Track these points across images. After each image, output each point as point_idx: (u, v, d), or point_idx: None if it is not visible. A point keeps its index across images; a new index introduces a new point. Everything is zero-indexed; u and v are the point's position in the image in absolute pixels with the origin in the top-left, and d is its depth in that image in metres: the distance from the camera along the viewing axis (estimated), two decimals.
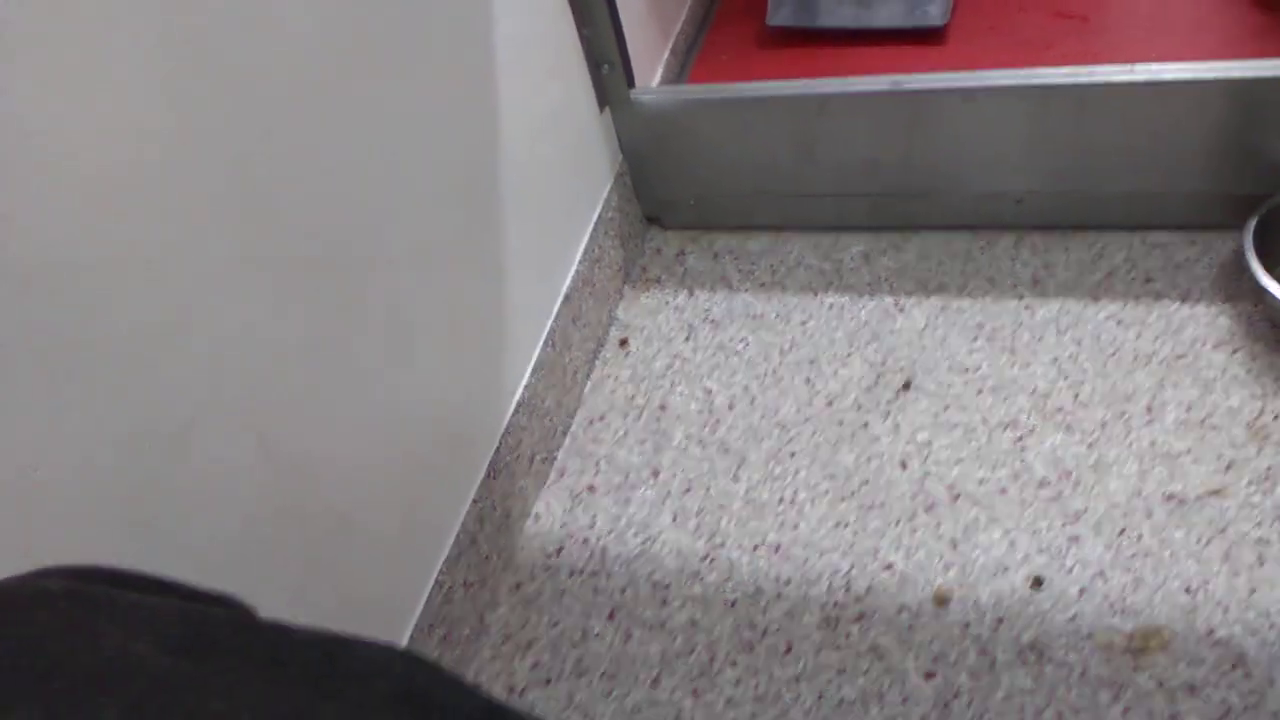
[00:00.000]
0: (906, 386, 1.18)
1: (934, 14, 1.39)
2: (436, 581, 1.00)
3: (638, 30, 1.35)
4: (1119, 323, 1.19)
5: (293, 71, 0.76)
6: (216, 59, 0.69)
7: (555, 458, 1.23)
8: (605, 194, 1.36)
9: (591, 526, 1.15)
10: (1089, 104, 1.16)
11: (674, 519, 1.13)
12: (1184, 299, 1.19)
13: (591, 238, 1.32)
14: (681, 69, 1.52)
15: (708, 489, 1.15)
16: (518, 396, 1.14)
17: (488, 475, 1.08)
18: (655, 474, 1.18)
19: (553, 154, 1.21)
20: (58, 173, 0.58)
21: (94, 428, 0.62)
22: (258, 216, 0.74)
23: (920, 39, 1.40)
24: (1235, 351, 1.13)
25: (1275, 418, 1.07)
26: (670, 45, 1.50)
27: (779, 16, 1.47)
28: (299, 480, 0.80)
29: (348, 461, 0.86)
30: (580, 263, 1.29)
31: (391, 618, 0.95)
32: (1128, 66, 1.13)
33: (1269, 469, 1.03)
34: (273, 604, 0.79)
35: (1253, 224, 1.13)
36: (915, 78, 1.20)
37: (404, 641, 0.96)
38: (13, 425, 0.57)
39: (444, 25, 0.96)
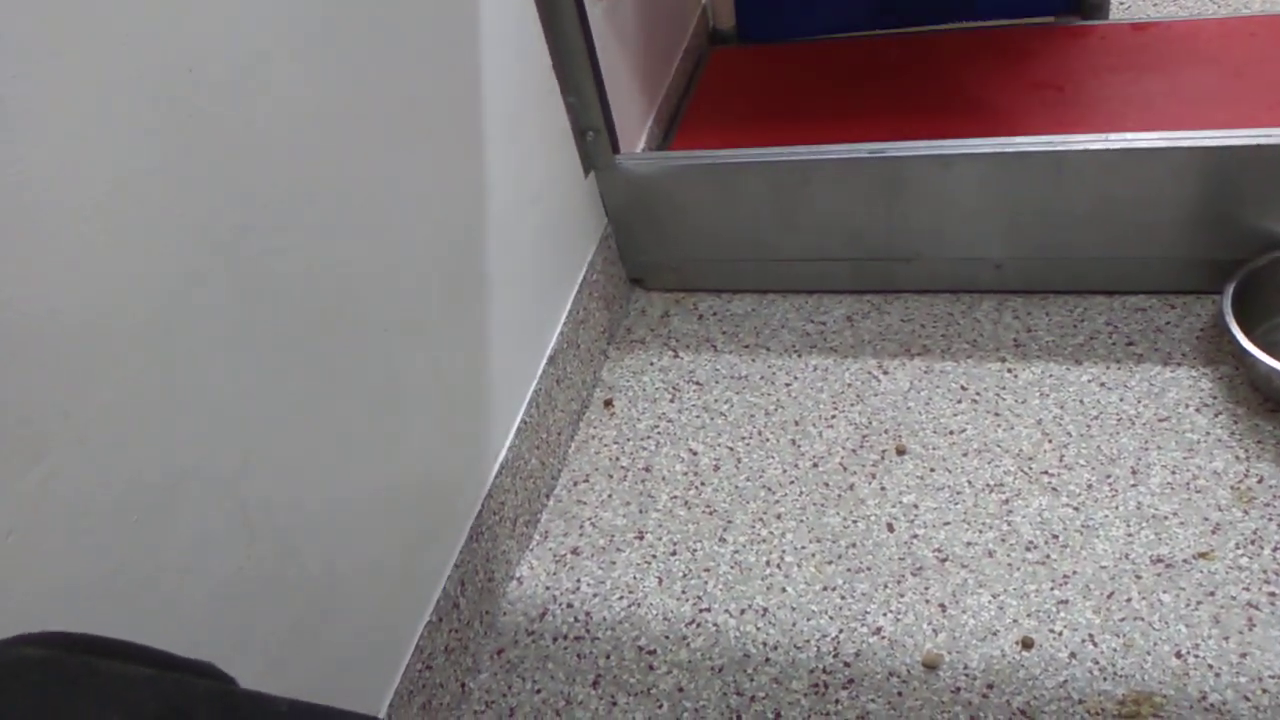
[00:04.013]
0: (900, 453, 1.18)
1: None
2: (417, 647, 0.98)
3: (622, 97, 1.37)
4: (1102, 385, 1.20)
5: (288, 143, 0.77)
6: (214, 131, 0.69)
7: (539, 520, 1.22)
8: (590, 257, 1.37)
9: (576, 590, 1.13)
10: (1066, 171, 1.18)
11: (660, 582, 1.12)
12: (1165, 362, 1.20)
13: (576, 300, 1.32)
14: (665, 135, 1.54)
15: (694, 551, 1.14)
16: (501, 458, 1.13)
17: (470, 538, 1.06)
18: (640, 536, 1.17)
19: (539, 219, 1.22)
20: (52, 240, 0.58)
21: (78, 493, 0.60)
22: (250, 285, 0.74)
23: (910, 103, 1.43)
24: (1218, 414, 1.14)
25: (1260, 480, 1.07)
26: (654, 112, 1.52)
27: None
28: (281, 547, 0.79)
29: (330, 527, 0.85)
30: (565, 324, 1.29)
31: (371, 685, 0.93)
32: (1102, 135, 1.16)
33: (1255, 532, 1.03)
34: (252, 670, 0.77)
35: (1231, 288, 1.15)
36: (894, 145, 1.22)
37: (383, 710, 0.94)
38: None
39: (434, 97, 0.97)
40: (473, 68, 1.05)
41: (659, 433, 1.29)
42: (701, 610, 1.08)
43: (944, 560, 1.07)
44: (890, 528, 1.12)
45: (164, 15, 0.65)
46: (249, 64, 0.73)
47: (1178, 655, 0.96)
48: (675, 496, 1.20)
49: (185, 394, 0.69)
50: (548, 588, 1.14)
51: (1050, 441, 1.15)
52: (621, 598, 1.11)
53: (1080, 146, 1.16)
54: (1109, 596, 1.01)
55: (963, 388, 1.24)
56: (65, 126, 0.59)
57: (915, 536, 1.10)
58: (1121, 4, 1.66)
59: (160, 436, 0.67)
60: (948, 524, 1.10)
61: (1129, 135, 1.15)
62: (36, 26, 0.57)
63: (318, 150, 0.81)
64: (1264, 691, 0.92)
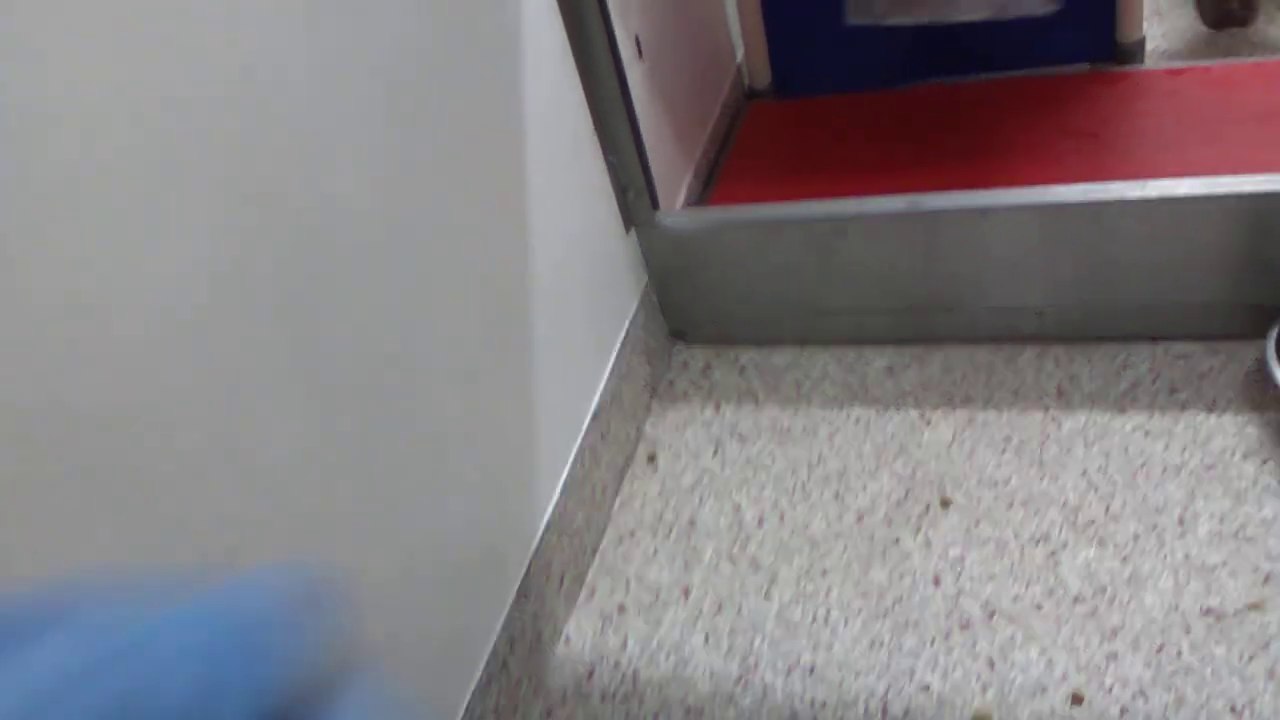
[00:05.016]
0: (945, 505, 1.18)
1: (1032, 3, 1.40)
2: (467, 709, 0.99)
3: (661, 155, 1.40)
4: (1146, 434, 1.19)
5: (340, 207, 0.80)
6: (275, 202, 0.73)
7: (585, 577, 1.23)
8: (632, 312, 1.39)
9: (623, 649, 1.14)
10: (1104, 220, 1.18)
11: (706, 640, 1.13)
12: (1210, 409, 1.20)
13: (619, 355, 1.34)
14: (704, 190, 1.56)
15: (739, 608, 1.15)
16: (548, 516, 1.15)
17: (518, 597, 1.08)
18: (686, 593, 1.18)
19: (581, 275, 1.25)
20: (120, 312, 0.61)
21: (140, 557, 0.63)
22: (304, 349, 0.77)
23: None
24: (1265, 461, 1.13)
25: None
26: (693, 168, 1.55)
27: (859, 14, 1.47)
28: None
29: (380, 587, 0.87)
30: (608, 380, 1.31)
31: None
32: (1140, 183, 1.16)
33: None
34: None
35: (1274, 334, 1.14)
36: (932, 197, 1.23)
37: None
38: (61, 552, 0.58)
39: (480, 157, 1.00)
40: (517, 131, 1.08)
41: (703, 487, 1.30)
42: (749, 668, 1.09)
43: (991, 614, 1.07)
44: (936, 582, 1.12)
45: (251, 131, 0.69)
46: (318, 147, 0.76)
47: (1232, 710, 0.94)
48: (720, 552, 1.21)
49: (245, 454, 0.71)
50: (595, 647, 1.15)
51: (1095, 491, 1.15)
52: (668, 656, 1.12)
53: (1118, 195, 1.17)
54: (1159, 650, 1.00)
55: (1006, 438, 1.24)
56: (132, 205, 0.62)
57: (962, 591, 1.10)
58: (1157, 49, 1.67)
59: (220, 496, 0.69)
60: (994, 577, 1.10)
61: (1166, 182, 1.16)
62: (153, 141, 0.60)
63: (374, 215, 0.84)
64: None
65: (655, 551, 1.24)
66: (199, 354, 0.67)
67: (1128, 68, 1.54)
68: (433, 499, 0.94)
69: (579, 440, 1.23)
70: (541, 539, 1.13)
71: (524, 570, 1.10)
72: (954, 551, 1.14)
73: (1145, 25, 1.55)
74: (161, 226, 0.64)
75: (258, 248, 0.72)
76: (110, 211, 0.61)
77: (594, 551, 1.26)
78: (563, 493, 1.18)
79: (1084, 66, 1.56)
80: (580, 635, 1.17)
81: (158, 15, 0.64)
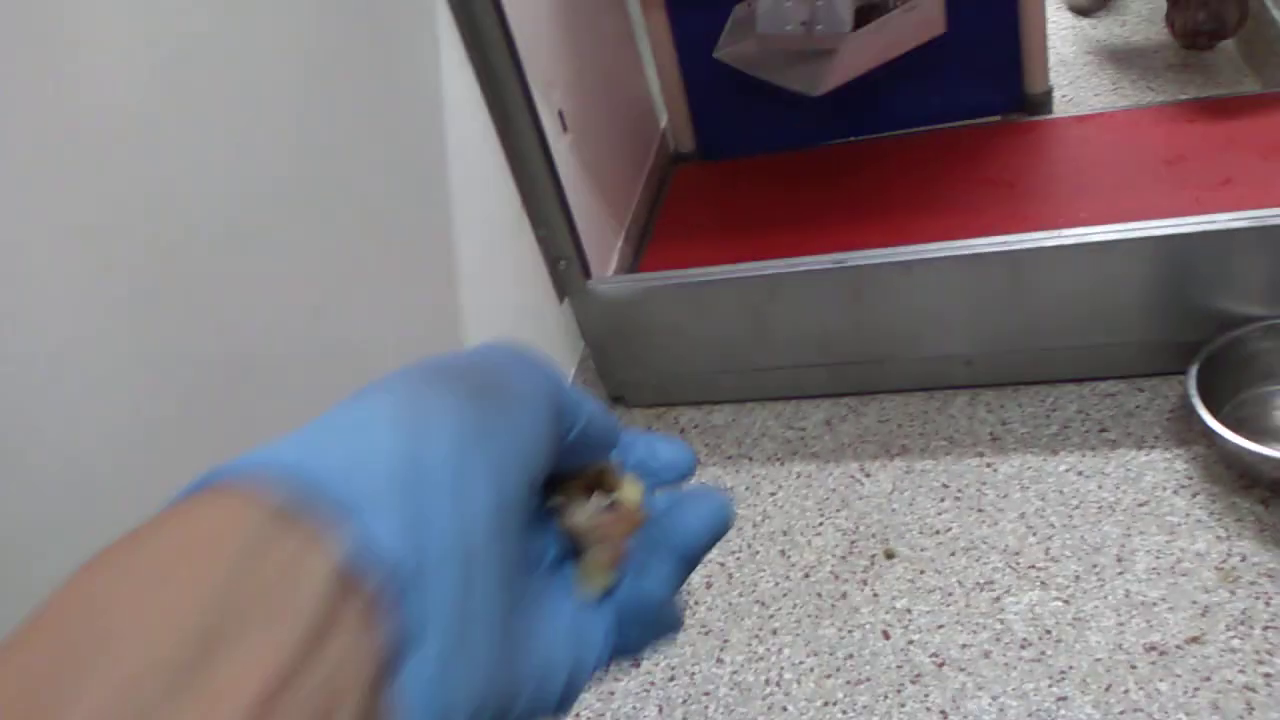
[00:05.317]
0: (889, 556, 1.19)
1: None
2: None
3: (591, 224, 1.42)
4: (1080, 474, 1.22)
5: (270, 301, 0.80)
6: (211, 288, 0.72)
7: None
8: (570, 379, 1.39)
9: None
10: (1023, 268, 1.22)
11: (660, 710, 1.12)
12: (1139, 446, 1.23)
13: None
14: (636, 255, 1.58)
15: (692, 675, 1.14)
16: None
17: None
18: (636, 663, 1.17)
19: None
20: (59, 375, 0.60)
21: None
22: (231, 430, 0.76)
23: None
24: (1195, 495, 1.16)
25: (1243, 559, 1.08)
26: (623, 234, 1.56)
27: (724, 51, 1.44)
28: None
29: None
30: None
31: None
32: (1055, 232, 1.20)
33: (1244, 611, 1.04)
34: None
35: (1194, 370, 1.18)
36: (855, 255, 1.26)
37: None
38: None
39: (408, 244, 1.01)
40: (444, 217, 1.09)
41: None
42: None
43: (941, 665, 1.08)
44: (886, 635, 1.12)
45: (169, 198, 0.68)
46: (246, 230, 0.76)
47: None
48: None
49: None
50: None
51: (1034, 535, 1.17)
52: None
53: (1034, 244, 1.20)
54: (1107, 689, 1.01)
55: (944, 485, 1.26)
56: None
57: (911, 642, 1.10)
58: (1064, 98, 1.73)
59: None
60: (942, 627, 1.11)
61: (1080, 230, 1.20)
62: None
63: (301, 301, 0.84)
64: None
65: None
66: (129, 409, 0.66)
67: (1037, 117, 1.59)
68: None
69: None
70: None
71: None
72: (901, 603, 1.15)
73: (1051, 76, 1.61)
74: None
75: (186, 319, 0.72)
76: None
77: None
78: None
79: (995, 118, 1.61)
80: None
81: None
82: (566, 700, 0.26)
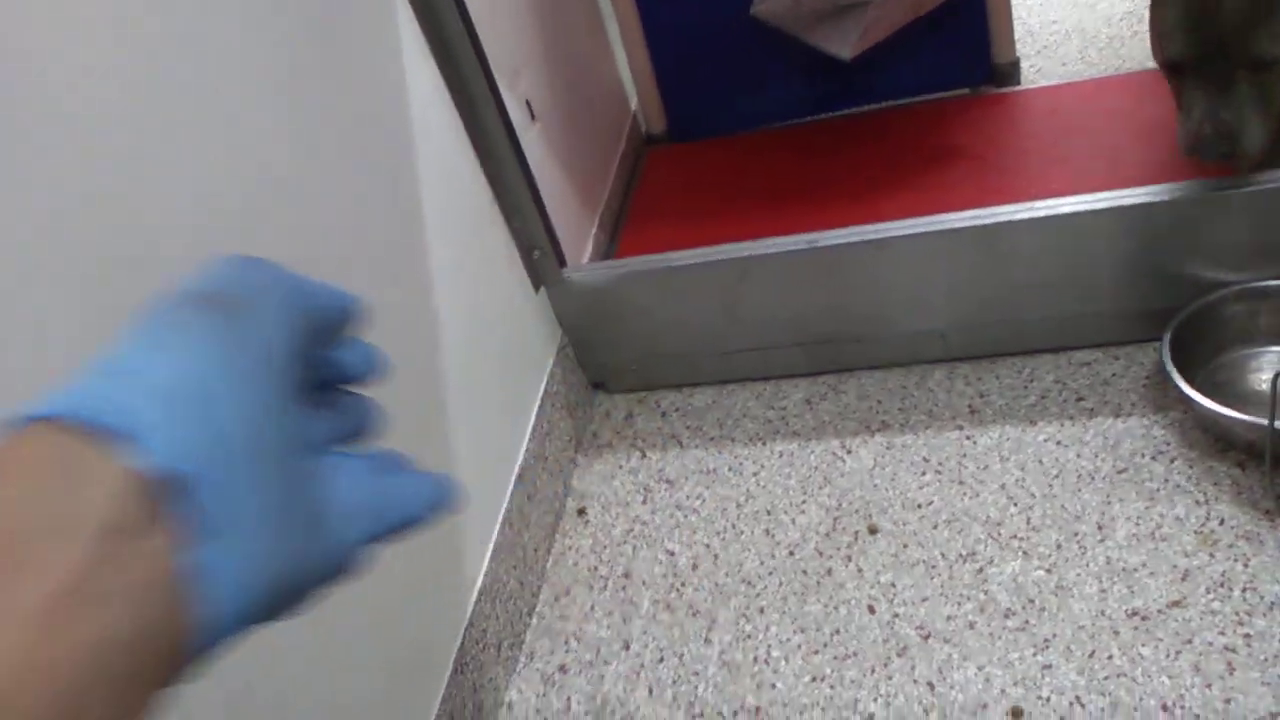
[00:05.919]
0: (872, 532, 1.20)
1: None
2: None
3: (564, 212, 1.41)
4: (1058, 443, 1.22)
5: None
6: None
7: (524, 640, 1.22)
8: (549, 368, 1.39)
9: (567, 710, 1.13)
10: (997, 241, 1.22)
11: (650, 692, 1.12)
12: (1116, 414, 1.24)
13: (540, 412, 1.34)
14: (610, 240, 1.58)
15: (681, 656, 1.14)
16: (479, 585, 1.14)
17: (455, 671, 1.06)
18: (626, 646, 1.17)
19: (495, 341, 1.24)
20: None
21: None
22: None
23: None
24: (1174, 460, 1.17)
25: (1221, 522, 1.09)
26: (597, 220, 1.56)
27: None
28: (260, 705, 0.79)
29: (302, 678, 0.85)
30: (531, 439, 1.30)
31: None
32: (1028, 204, 1.20)
33: (1223, 574, 1.05)
34: None
35: (1168, 337, 1.18)
36: (830, 234, 1.26)
37: None
38: None
39: (378, 242, 1.00)
40: (414, 212, 1.08)
41: (635, 536, 1.30)
42: (695, 717, 1.08)
43: (927, 637, 1.08)
44: (871, 609, 1.13)
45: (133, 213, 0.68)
46: (213, 226, 0.75)
47: (1164, 709, 0.97)
48: (657, 600, 1.21)
49: None
50: (538, 710, 1.14)
51: (1015, 505, 1.18)
52: (614, 712, 1.11)
53: (1006, 218, 1.21)
54: (1090, 656, 1.02)
55: (925, 459, 1.26)
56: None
57: (896, 615, 1.11)
58: (1033, 68, 1.73)
59: None
60: (926, 599, 1.12)
61: (1052, 201, 1.20)
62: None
63: None
64: None
65: (593, 607, 1.23)
66: None
67: (1005, 89, 1.59)
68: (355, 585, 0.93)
69: (505, 504, 1.23)
70: (474, 609, 1.12)
71: (458, 643, 1.08)
72: (885, 577, 1.15)
73: (1017, 46, 1.61)
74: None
75: None
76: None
77: (530, 613, 1.25)
78: (493, 559, 1.17)
79: (965, 91, 1.61)
80: (523, 700, 1.16)
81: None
82: (358, 565, 0.33)
